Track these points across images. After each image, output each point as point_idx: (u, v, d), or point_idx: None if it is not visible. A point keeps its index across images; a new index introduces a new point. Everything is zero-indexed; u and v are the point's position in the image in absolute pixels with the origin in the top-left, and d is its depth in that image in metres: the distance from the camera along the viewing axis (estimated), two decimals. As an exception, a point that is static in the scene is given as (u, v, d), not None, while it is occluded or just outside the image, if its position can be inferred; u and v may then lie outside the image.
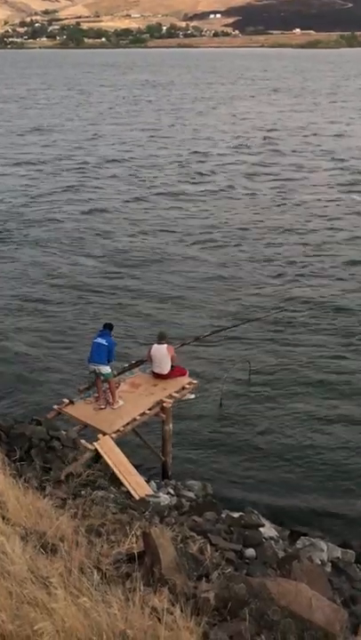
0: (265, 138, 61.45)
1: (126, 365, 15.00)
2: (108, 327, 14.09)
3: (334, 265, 26.74)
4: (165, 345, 14.43)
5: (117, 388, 13.89)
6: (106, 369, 13.45)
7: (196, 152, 54.18)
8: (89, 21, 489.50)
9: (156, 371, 14.56)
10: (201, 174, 45.82)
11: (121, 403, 13.62)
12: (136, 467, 12.77)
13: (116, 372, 14.22)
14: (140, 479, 12.43)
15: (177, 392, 14.17)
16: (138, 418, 13.36)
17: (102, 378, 13.59)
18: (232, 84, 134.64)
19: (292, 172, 46.65)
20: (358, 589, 9.84)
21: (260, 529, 11.16)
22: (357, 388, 17.25)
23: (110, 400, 13.65)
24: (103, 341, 13.49)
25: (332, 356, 19.02)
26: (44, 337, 20.60)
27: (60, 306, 22.98)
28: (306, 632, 6.16)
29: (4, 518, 7.39)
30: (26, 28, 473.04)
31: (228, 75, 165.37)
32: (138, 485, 12.13)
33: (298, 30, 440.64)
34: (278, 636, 6.07)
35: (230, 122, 74.25)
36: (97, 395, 13.81)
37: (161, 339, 14.55)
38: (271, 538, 11.30)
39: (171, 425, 13.93)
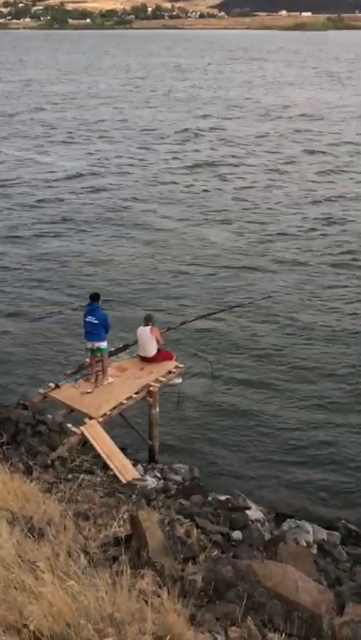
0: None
1: (113, 349, 14.95)
2: (95, 298, 13.79)
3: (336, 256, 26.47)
4: (150, 327, 14.39)
5: (108, 365, 13.98)
6: (104, 344, 13.67)
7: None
8: (73, 2, 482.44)
9: (142, 354, 14.55)
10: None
11: (110, 379, 13.68)
12: (123, 450, 12.79)
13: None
14: (127, 463, 12.44)
15: (163, 376, 14.17)
16: (125, 402, 13.34)
17: (99, 355, 13.69)
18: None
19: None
20: (344, 571, 9.93)
21: (247, 511, 11.20)
22: (343, 371, 17.34)
23: (100, 380, 13.66)
24: (95, 320, 13.49)
25: (321, 338, 19.06)
26: (29, 321, 20.47)
27: (47, 290, 22.81)
28: (292, 613, 6.22)
29: (-10, 503, 7.37)
30: (9, 9, 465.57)
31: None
32: (125, 469, 12.14)
33: (284, 12, 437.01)
34: (265, 617, 6.13)
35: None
36: (87, 373, 13.79)
37: (147, 321, 14.50)
38: (258, 520, 11.34)
39: (157, 409, 13.93)
